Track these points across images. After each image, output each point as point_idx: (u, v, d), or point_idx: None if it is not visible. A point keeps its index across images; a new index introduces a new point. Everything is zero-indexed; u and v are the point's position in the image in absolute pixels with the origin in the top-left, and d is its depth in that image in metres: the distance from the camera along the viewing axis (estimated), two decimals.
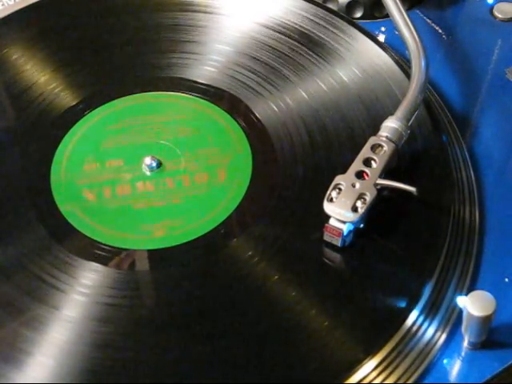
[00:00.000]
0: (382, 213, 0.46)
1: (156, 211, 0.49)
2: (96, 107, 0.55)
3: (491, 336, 0.43)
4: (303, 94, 0.55)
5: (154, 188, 0.51)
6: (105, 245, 0.47)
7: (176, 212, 0.49)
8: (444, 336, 0.44)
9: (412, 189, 0.45)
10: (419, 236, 0.46)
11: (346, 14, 0.62)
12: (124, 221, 0.49)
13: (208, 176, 0.51)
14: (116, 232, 0.48)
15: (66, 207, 0.49)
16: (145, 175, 0.51)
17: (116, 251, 0.47)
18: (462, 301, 0.41)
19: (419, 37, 0.53)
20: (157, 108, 0.55)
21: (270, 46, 0.58)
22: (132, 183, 0.51)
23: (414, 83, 0.50)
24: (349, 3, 0.62)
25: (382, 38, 0.61)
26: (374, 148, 0.47)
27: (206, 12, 0.60)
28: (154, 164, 0.51)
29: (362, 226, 0.46)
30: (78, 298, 0.45)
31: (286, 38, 0.58)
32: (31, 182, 0.51)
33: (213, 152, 0.52)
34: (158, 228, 0.48)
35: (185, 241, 0.47)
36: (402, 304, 0.43)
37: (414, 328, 0.43)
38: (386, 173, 0.47)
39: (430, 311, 0.44)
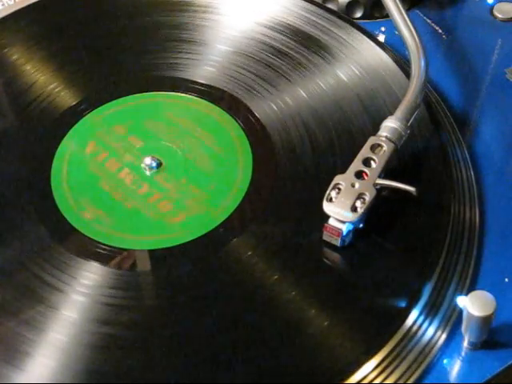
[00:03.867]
0: (382, 213, 0.46)
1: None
2: (96, 107, 0.55)
3: (491, 336, 0.43)
4: (303, 93, 0.55)
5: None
6: (105, 245, 0.47)
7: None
8: (444, 336, 0.44)
9: (412, 189, 0.45)
10: (419, 236, 0.46)
11: (346, 14, 0.62)
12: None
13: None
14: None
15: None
16: (145, 175, 0.51)
17: (116, 251, 0.47)
18: (462, 301, 0.41)
19: (419, 37, 0.53)
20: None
21: (270, 46, 0.58)
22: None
23: (413, 83, 0.50)
24: (349, 3, 0.62)
25: (381, 38, 0.61)
26: (373, 148, 0.47)
27: (206, 12, 0.60)
28: (154, 164, 0.51)
29: (361, 225, 0.46)
30: (78, 298, 0.45)
31: (286, 38, 0.58)
32: (31, 181, 0.51)
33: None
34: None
35: (185, 241, 0.47)
36: (402, 304, 0.43)
37: (414, 328, 0.43)
38: (386, 173, 0.47)
39: (430, 311, 0.44)
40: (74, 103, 0.56)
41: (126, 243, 0.48)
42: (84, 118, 0.55)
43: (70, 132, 0.54)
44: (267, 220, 0.48)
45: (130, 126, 0.54)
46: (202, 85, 0.56)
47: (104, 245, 0.47)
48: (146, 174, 0.51)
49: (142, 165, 0.51)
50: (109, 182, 0.51)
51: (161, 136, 0.54)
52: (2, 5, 0.66)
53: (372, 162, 0.47)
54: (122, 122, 0.55)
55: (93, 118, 0.55)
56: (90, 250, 0.47)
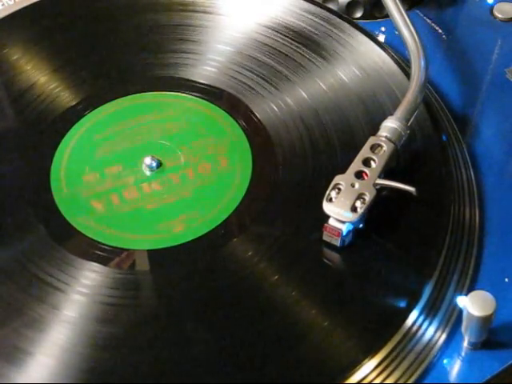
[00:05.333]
0: (382, 213, 0.46)
1: (156, 212, 0.49)
2: (96, 107, 0.55)
3: (491, 336, 0.43)
4: (303, 94, 0.55)
5: (153, 188, 0.51)
6: (105, 245, 0.47)
7: (176, 212, 0.49)
8: (444, 336, 0.44)
9: (411, 189, 0.45)
10: (419, 236, 0.46)
11: (346, 14, 0.62)
12: (123, 221, 0.49)
13: (208, 176, 0.51)
14: (116, 232, 0.48)
15: (65, 207, 0.49)
16: (145, 175, 0.51)
17: (116, 251, 0.47)
18: (462, 301, 0.41)
19: (419, 37, 0.53)
20: (157, 108, 0.55)
21: (269, 46, 0.58)
22: (132, 183, 0.51)
23: (413, 83, 0.50)
24: (349, 3, 0.62)
25: (381, 38, 0.61)
26: (373, 148, 0.47)
27: (206, 12, 0.60)
28: (154, 164, 0.51)
29: (361, 226, 0.46)
30: (78, 297, 0.45)
31: (286, 38, 0.58)
32: (31, 182, 0.51)
33: (212, 152, 0.52)
34: (158, 228, 0.48)
35: (184, 241, 0.47)
36: (402, 304, 0.43)
37: (414, 328, 0.43)
38: (386, 173, 0.47)
39: (430, 311, 0.44)
40: (74, 103, 0.56)
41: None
42: (84, 118, 0.55)
43: (70, 132, 0.54)
44: (267, 220, 0.48)
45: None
46: (201, 85, 0.56)
47: (104, 245, 0.47)
48: (145, 174, 0.51)
49: (142, 165, 0.51)
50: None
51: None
52: (2, 5, 0.66)
53: (372, 162, 0.47)
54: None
55: (93, 118, 0.55)
56: (90, 250, 0.47)
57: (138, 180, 0.51)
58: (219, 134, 0.53)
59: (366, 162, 0.47)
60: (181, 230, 0.48)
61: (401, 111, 0.48)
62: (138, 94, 0.56)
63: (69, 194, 0.50)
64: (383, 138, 0.47)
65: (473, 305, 0.40)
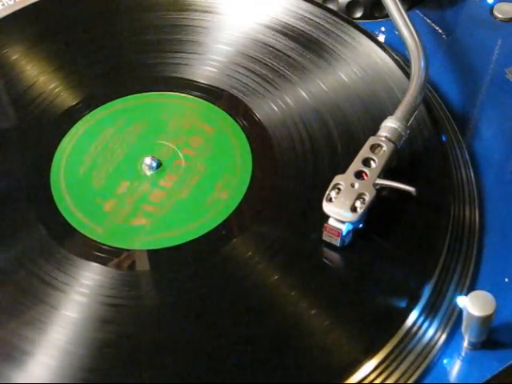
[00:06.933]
0: (382, 213, 0.46)
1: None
2: (96, 107, 0.55)
3: (491, 336, 0.43)
4: (303, 93, 0.55)
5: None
6: (104, 245, 0.47)
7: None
8: (444, 336, 0.44)
9: (411, 189, 0.45)
10: (419, 236, 0.46)
11: (346, 14, 0.62)
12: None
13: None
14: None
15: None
16: (145, 175, 0.51)
17: (116, 251, 0.47)
18: (462, 301, 0.41)
19: (419, 37, 0.53)
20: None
21: (270, 46, 0.58)
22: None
23: (413, 83, 0.50)
24: (349, 3, 0.62)
25: (381, 38, 0.61)
26: (373, 148, 0.47)
27: (206, 12, 0.60)
28: (154, 164, 0.51)
29: (361, 226, 0.46)
30: (78, 298, 0.45)
31: (286, 38, 0.58)
32: (31, 182, 0.51)
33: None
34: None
35: (185, 241, 0.47)
36: (402, 304, 0.43)
37: (414, 328, 0.43)
38: (386, 173, 0.47)
39: (430, 311, 0.44)
40: (74, 103, 0.56)
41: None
42: (84, 118, 0.55)
43: (70, 132, 0.54)
44: (267, 220, 0.48)
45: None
46: (202, 85, 0.56)
47: (103, 245, 0.47)
48: (145, 174, 0.51)
49: (142, 165, 0.51)
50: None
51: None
52: (2, 5, 0.66)
53: (372, 162, 0.47)
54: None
55: (93, 118, 0.55)
56: (90, 250, 0.47)
57: (138, 180, 0.51)
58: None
59: (366, 162, 0.47)
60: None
61: (401, 111, 0.48)
62: (137, 94, 0.56)
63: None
64: (383, 138, 0.47)
65: (473, 305, 0.40)
